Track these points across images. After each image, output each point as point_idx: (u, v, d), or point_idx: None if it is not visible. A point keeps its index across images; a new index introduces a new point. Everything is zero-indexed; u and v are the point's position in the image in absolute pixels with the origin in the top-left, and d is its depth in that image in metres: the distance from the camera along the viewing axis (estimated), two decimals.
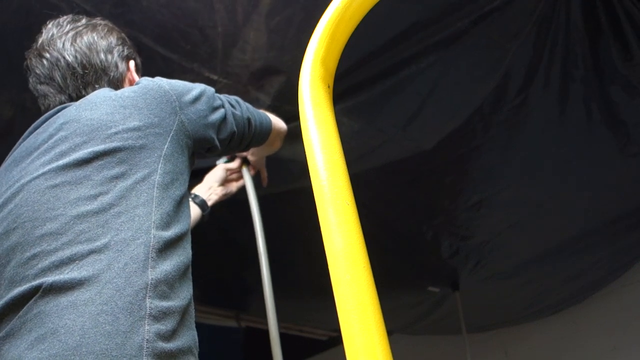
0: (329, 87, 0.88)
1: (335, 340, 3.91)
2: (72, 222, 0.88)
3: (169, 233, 0.94)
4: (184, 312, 0.89)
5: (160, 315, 0.84)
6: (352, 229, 0.74)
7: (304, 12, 1.64)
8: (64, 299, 0.80)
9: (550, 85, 2.00)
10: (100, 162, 0.94)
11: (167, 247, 0.92)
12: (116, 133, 0.97)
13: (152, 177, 0.96)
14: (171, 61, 1.72)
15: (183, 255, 0.96)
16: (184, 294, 0.92)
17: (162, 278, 0.88)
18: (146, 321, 0.82)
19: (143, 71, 1.42)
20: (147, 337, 0.81)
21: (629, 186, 2.50)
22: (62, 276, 0.82)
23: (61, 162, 0.94)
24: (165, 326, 0.84)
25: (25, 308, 0.81)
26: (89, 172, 0.93)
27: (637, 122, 2.14)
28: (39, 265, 0.84)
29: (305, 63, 0.90)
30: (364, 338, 0.67)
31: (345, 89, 1.90)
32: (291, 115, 1.84)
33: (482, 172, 2.42)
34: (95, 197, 0.91)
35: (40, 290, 0.81)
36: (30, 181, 0.94)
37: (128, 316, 0.81)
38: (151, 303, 0.84)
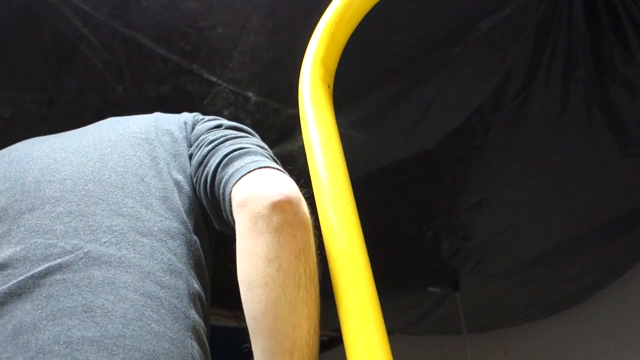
0: (329, 87, 0.88)
1: (335, 340, 3.91)
2: (115, 192, 0.78)
3: (201, 243, 0.84)
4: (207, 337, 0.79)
5: (199, 333, 0.74)
6: (352, 229, 0.74)
7: (304, 13, 1.64)
8: (98, 273, 0.68)
9: (551, 85, 2.00)
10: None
11: (199, 259, 0.82)
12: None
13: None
14: (171, 62, 1.72)
15: (207, 275, 0.86)
16: (207, 317, 0.81)
17: (198, 291, 0.78)
18: (190, 334, 0.71)
19: (143, 72, 1.42)
20: (193, 354, 0.70)
21: (629, 186, 2.50)
22: (97, 245, 0.71)
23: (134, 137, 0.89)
24: (202, 347, 0.73)
25: (44, 268, 0.68)
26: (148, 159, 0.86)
27: (637, 122, 2.14)
28: (72, 224, 0.73)
29: (305, 63, 0.90)
30: (364, 338, 0.67)
31: (351, 101, 1.91)
32: (294, 120, 1.84)
33: (482, 172, 2.42)
34: (142, 177, 0.82)
35: (71, 255, 0.69)
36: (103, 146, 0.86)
37: (174, 321, 0.69)
38: (194, 315, 0.74)
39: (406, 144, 2.16)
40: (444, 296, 3.26)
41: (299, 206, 0.71)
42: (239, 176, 0.76)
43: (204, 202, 0.84)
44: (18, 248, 0.70)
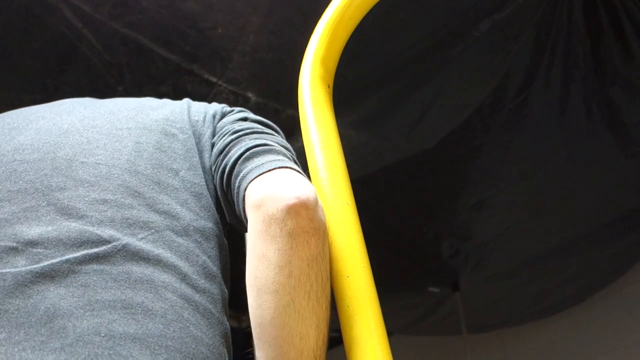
0: (329, 87, 0.88)
1: (335, 340, 3.90)
2: (151, 186, 0.74)
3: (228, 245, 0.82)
4: None
5: (229, 341, 0.71)
6: (352, 229, 0.74)
7: (304, 13, 1.64)
8: (137, 269, 0.65)
9: (551, 85, 2.00)
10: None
11: (227, 262, 0.80)
12: None
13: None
14: (170, 62, 1.72)
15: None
16: None
17: (227, 296, 0.75)
18: (223, 341, 0.68)
19: (143, 72, 1.42)
20: None
21: (629, 186, 2.50)
22: (135, 240, 0.67)
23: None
24: (230, 356, 0.71)
25: (80, 255, 0.64)
26: (178, 147, 0.83)
27: (637, 122, 2.14)
28: (108, 213, 0.69)
29: (305, 63, 0.90)
30: (364, 338, 0.67)
31: (351, 101, 1.91)
32: (294, 120, 1.84)
33: (482, 173, 2.42)
34: (176, 172, 0.78)
35: (109, 245, 0.66)
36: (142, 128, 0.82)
37: (209, 327, 0.67)
38: (226, 322, 0.71)
39: (406, 144, 2.16)
40: (444, 296, 3.26)
41: (315, 212, 0.68)
42: (258, 173, 0.73)
43: (219, 193, 0.81)
44: (50, 228, 0.66)
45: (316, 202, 0.69)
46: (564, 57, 1.91)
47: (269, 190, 0.70)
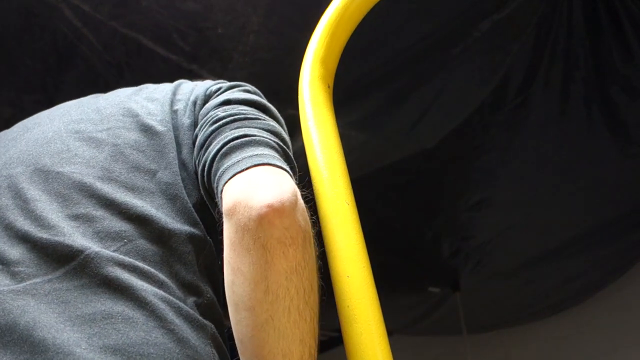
0: (329, 87, 0.88)
1: (335, 340, 3.90)
2: (124, 192, 0.71)
3: (214, 244, 0.78)
4: None
5: (217, 340, 0.68)
6: (352, 229, 0.74)
7: (304, 13, 1.64)
8: (113, 275, 0.63)
9: (551, 85, 2.00)
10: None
11: (212, 262, 0.77)
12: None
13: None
14: (171, 62, 1.72)
15: (219, 273, 0.78)
16: (222, 318, 0.75)
17: (211, 298, 0.72)
18: (209, 342, 0.65)
19: (143, 72, 1.42)
20: None
21: (629, 186, 2.50)
22: (108, 252, 0.65)
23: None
24: (221, 354, 0.68)
25: (60, 274, 0.63)
26: (152, 142, 0.79)
27: (637, 122, 2.14)
28: (80, 229, 0.67)
29: (305, 63, 0.90)
30: (364, 338, 0.67)
31: (351, 101, 1.91)
32: (294, 120, 1.85)
33: (482, 172, 2.42)
34: (153, 173, 0.75)
35: (82, 255, 0.63)
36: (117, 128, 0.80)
37: (193, 330, 0.64)
38: (210, 324, 0.68)
39: (406, 144, 2.16)
40: (444, 296, 3.26)
41: (293, 218, 0.63)
42: (232, 174, 0.68)
43: (202, 191, 0.77)
44: (28, 245, 0.65)
45: (294, 205, 0.64)
46: (564, 57, 1.91)
47: (240, 197, 0.65)
